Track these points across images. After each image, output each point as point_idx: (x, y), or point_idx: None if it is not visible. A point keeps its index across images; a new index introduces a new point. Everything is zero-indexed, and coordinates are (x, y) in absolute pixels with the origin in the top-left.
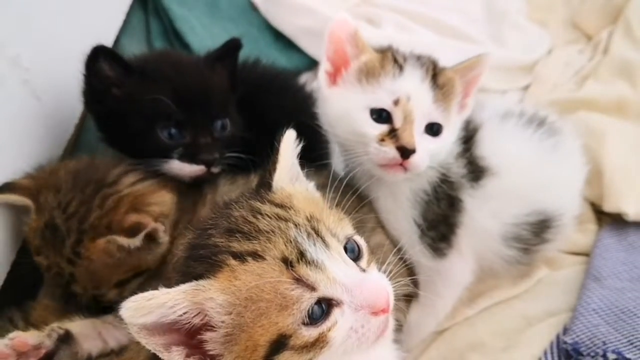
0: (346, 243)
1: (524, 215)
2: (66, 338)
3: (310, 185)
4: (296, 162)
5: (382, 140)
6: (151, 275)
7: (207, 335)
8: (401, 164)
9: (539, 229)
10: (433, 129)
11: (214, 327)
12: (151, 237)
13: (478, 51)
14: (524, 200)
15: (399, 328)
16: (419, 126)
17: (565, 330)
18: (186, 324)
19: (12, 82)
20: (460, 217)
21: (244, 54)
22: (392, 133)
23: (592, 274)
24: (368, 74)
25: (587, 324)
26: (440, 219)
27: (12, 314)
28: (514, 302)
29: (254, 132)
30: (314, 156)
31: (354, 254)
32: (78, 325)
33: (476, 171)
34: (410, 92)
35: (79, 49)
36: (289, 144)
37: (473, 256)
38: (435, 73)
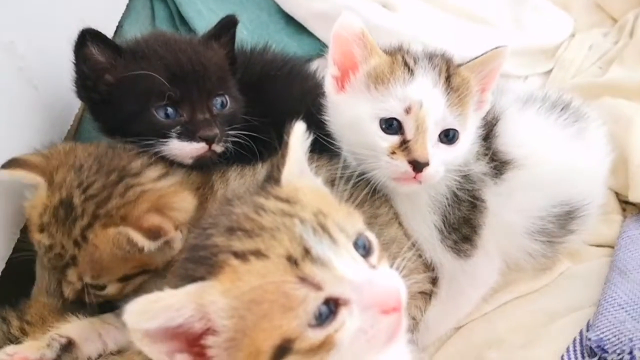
0: (357, 239)
1: (549, 207)
2: (68, 346)
3: (318, 181)
4: (304, 156)
5: (393, 152)
6: (156, 274)
7: (210, 340)
8: (414, 177)
9: (564, 221)
10: (449, 136)
11: (216, 331)
12: (167, 242)
13: (497, 35)
14: (549, 191)
15: (415, 325)
16: (432, 135)
17: (589, 326)
18: (189, 329)
19: (6, 70)
20: (483, 217)
21: (252, 40)
22: (404, 145)
23: (617, 267)
24: (377, 80)
25: (613, 320)
26: (462, 221)
27: (5, 313)
28: (534, 297)
29: (262, 120)
30: (325, 147)
31: (364, 250)
32: (77, 328)
33: (499, 166)
34: (422, 98)
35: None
36: (298, 136)
37: (499, 254)
38: (449, 74)
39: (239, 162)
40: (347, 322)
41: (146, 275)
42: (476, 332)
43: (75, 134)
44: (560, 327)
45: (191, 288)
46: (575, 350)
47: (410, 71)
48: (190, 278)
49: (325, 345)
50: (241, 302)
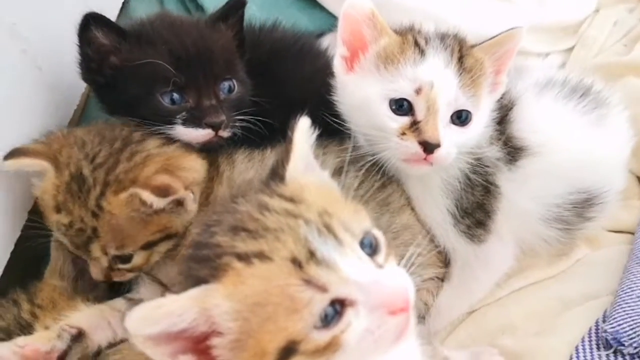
0: (363, 238)
1: (566, 194)
2: (78, 336)
3: (325, 175)
4: (310, 151)
5: (403, 134)
6: (179, 243)
7: (215, 341)
8: (425, 159)
9: (582, 208)
10: (461, 118)
11: (221, 332)
12: (179, 202)
13: (516, 10)
14: (565, 179)
15: (427, 310)
16: (444, 117)
17: (605, 317)
18: (193, 332)
19: (10, 52)
20: (497, 203)
21: (262, 15)
22: (414, 126)
23: (637, 255)
24: (387, 60)
25: (630, 312)
26: (476, 206)
27: (16, 296)
28: (549, 284)
29: (271, 102)
30: (335, 129)
31: (370, 249)
32: (87, 317)
33: (513, 152)
34: (434, 79)
35: (82, 14)
36: (303, 132)
37: (513, 240)
38: (461, 55)
39: (247, 145)
40: (354, 322)
41: (170, 241)
42: (489, 317)
43: (82, 113)
44: (576, 316)
45: (193, 293)
46: (590, 341)
47: (421, 51)
48: (194, 278)
49: (331, 346)
50: (245, 305)
